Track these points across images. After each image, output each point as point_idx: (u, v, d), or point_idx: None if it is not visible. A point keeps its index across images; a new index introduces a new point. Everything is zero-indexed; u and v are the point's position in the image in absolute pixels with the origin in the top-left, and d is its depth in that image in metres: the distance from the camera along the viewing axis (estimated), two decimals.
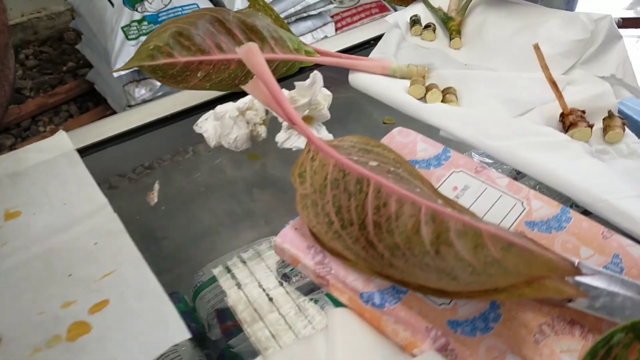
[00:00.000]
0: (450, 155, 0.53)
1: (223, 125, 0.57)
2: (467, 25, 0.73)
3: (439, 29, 0.73)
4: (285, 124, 0.57)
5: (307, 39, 1.68)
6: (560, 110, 0.58)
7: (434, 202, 0.44)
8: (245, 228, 0.56)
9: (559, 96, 0.57)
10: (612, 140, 0.57)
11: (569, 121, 0.57)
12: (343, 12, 1.74)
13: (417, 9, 0.76)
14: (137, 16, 1.40)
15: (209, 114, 0.59)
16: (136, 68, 0.58)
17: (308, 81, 0.56)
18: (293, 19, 1.62)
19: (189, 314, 0.52)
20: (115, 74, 1.32)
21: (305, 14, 1.64)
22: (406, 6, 0.80)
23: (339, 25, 1.76)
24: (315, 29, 1.69)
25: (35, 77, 1.72)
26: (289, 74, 0.66)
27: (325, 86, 0.70)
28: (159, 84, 1.35)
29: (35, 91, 1.67)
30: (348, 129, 0.63)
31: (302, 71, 0.69)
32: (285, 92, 0.58)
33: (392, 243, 0.42)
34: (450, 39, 0.70)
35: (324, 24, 1.68)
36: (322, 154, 0.50)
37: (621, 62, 0.62)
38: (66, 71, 1.75)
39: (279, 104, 0.52)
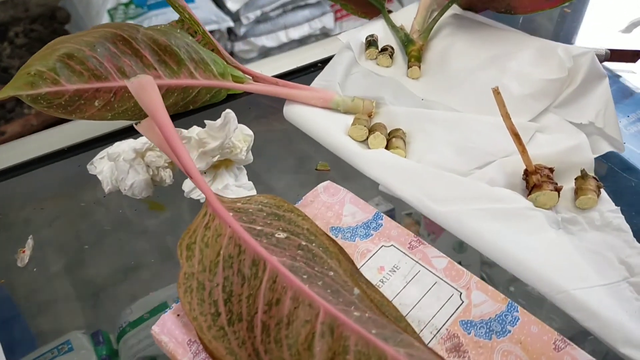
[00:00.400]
0: (382, 223, 0.43)
1: (118, 169, 0.47)
2: (430, 50, 0.63)
3: (398, 53, 0.63)
4: (196, 164, 0.48)
5: (304, 29, 1.57)
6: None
7: (341, 301, 0.34)
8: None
9: (522, 151, 0.47)
10: (584, 206, 0.48)
11: (533, 182, 0.48)
12: None
13: (377, 27, 0.66)
14: None
15: (106, 152, 0.49)
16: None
17: (219, 121, 0.46)
18: (290, 7, 1.52)
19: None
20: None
21: (302, 3, 1.53)
22: (370, 19, 0.70)
23: (339, 15, 1.65)
24: (313, 19, 1.59)
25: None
26: (215, 102, 0.56)
27: (260, 116, 0.61)
28: None
29: None
30: (277, 173, 0.53)
31: (232, 98, 0.59)
32: (195, 131, 0.49)
33: (278, 359, 0.33)
34: (408, 67, 0.60)
35: (323, 14, 1.58)
36: (219, 220, 0.40)
37: (602, 108, 0.53)
38: None
39: (173, 150, 0.42)
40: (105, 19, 1.29)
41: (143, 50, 0.51)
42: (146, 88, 0.42)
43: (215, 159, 0.47)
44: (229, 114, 0.46)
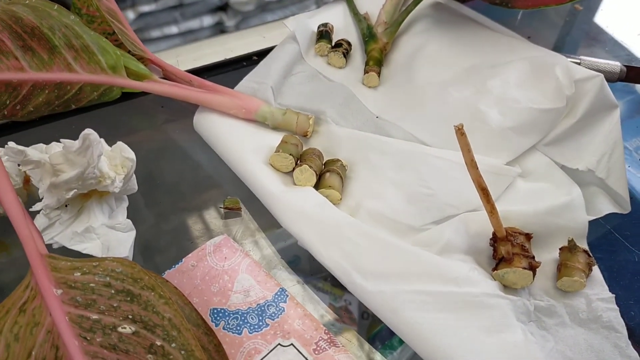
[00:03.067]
0: (284, 307, 0.31)
1: None
2: (396, 51, 0.49)
3: (357, 50, 0.50)
4: (44, 200, 0.35)
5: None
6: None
7: None
8: None
9: (490, 211, 0.34)
10: (567, 289, 0.36)
11: (501, 253, 0.35)
12: None
13: (336, 13, 0.52)
14: None
15: None
16: None
17: (77, 143, 0.33)
18: None
19: None
20: None
21: None
22: None
23: None
24: None
25: None
26: (106, 101, 0.43)
27: (171, 120, 0.48)
28: None
29: None
30: (170, 208, 0.41)
31: (137, 95, 0.46)
32: (55, 149, 0.36)
33: None
34: (365, 72, 0.47)
35: None
36: (40, 301, 0.28)
37: (607, 152, 0.40)
38: None
39: None
40: None
41: (0, 32, 0.38)
42: None
43: (72, 193, 0.34)
44: (89, 135, 0.33)
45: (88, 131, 0.33)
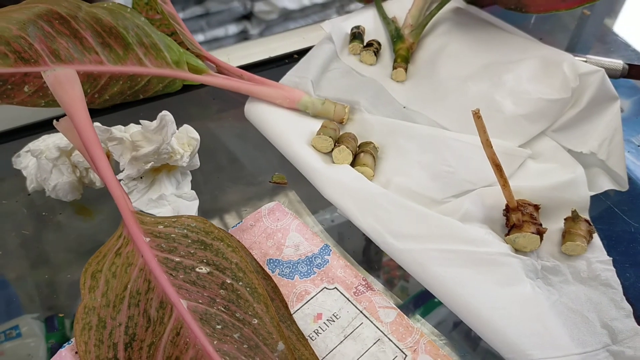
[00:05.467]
0: (328, 259, 0.37)
1: (40, 168, 0.42)
2: (421, 50, 0.55)
3: (386, 49, 0.56)
4: (125, 170, 0.42)
5: None
6: None
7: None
8: None
9: (503, 184, 0.40)
10: (570, 253, 0.41)
11: (513, 221, 0.41)
12: None
13: (367, 17, 0.59)
14: None
15: (29, 146, 0.43)
16: None
17: (155, 123, 0.40)
18: None
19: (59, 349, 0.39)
20: None
21: None
22: (365, 3, 0.62)
23: None
24: None
25: None
26: (169, 92, 0.50)
27: (222, 110, 0.54)
28: None
29: None
30: (226, 182, 0.47)
31: (193, 88, 0.53)
32: (132, 130, 0.43)
33: None
34: (393, 68, 0.53)
35: None
36: (133, 246, 0.35)
37: (608, 137, 0.45)
38: None
39: (90, 155, 0.36)
40: None
41: (84, 31, 0.45)
42: (64, 83, 0.36)
43: (149, 165, 0.41)
44: (165, 116, 0.40)
45: (164, 112, 0.40)
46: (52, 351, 0.39)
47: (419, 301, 0.41)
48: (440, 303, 0.40)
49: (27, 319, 0.41)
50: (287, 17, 1.49)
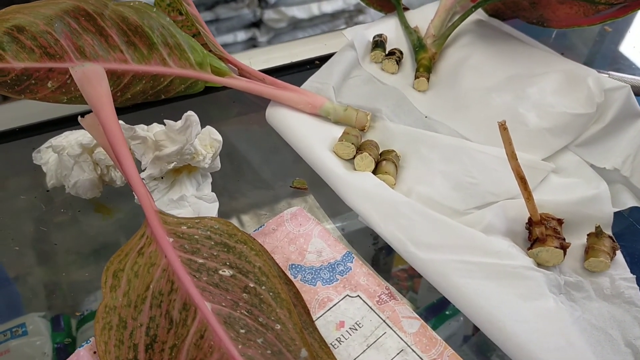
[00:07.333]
0: (351, 266, 0.37)
1: (61, 164, 0.41)
2: (443, 60, 0.55)
3: (407, 58, 0.56)
4: (147, 170, 0.41)
5: (337, 3, 1.43)
6: None
7: None
8: None
9: (527, 197, 0.40)
10: (593, 269, 0.41)
11: (536, 234, 0.41)
12: None
13: (389, 26, 0.59)
14: None
15: (51, 142, 0.43)
16: None
17: (179, 123, 0.40)
18: None
19: (64, 349, 0.39)
20: None
21: None
22: (386, 13, 0.62)
23: None
24: None
25: None
26: (191, 93, 0.50)
27: (242, 113, 0.54)
28: None
29: None
30: (247, 185, 0.47)
31: (214, 90, 0.52)
32: (155, 129, 0.42)
33: None
34: (415, 77, 0.53)
35: None
36: (156, 246, 0.34)
37: (632, 154, 0.45)
38: None
39: (115, 153, 0.36)
40: None
41: (109, 28, 0.45)
42: (91, 79, 0.36)
43: (172, 165, 0.40)
44: (191, 116, 0.39)
45: (190, 113, 0.39)
46: (58, 351, 0.39)
47: (430, 314, 0.40)
48: (450, 316, 0.40)
49: (34, 317, 0.41)
50: (295, 26, 1.49)
